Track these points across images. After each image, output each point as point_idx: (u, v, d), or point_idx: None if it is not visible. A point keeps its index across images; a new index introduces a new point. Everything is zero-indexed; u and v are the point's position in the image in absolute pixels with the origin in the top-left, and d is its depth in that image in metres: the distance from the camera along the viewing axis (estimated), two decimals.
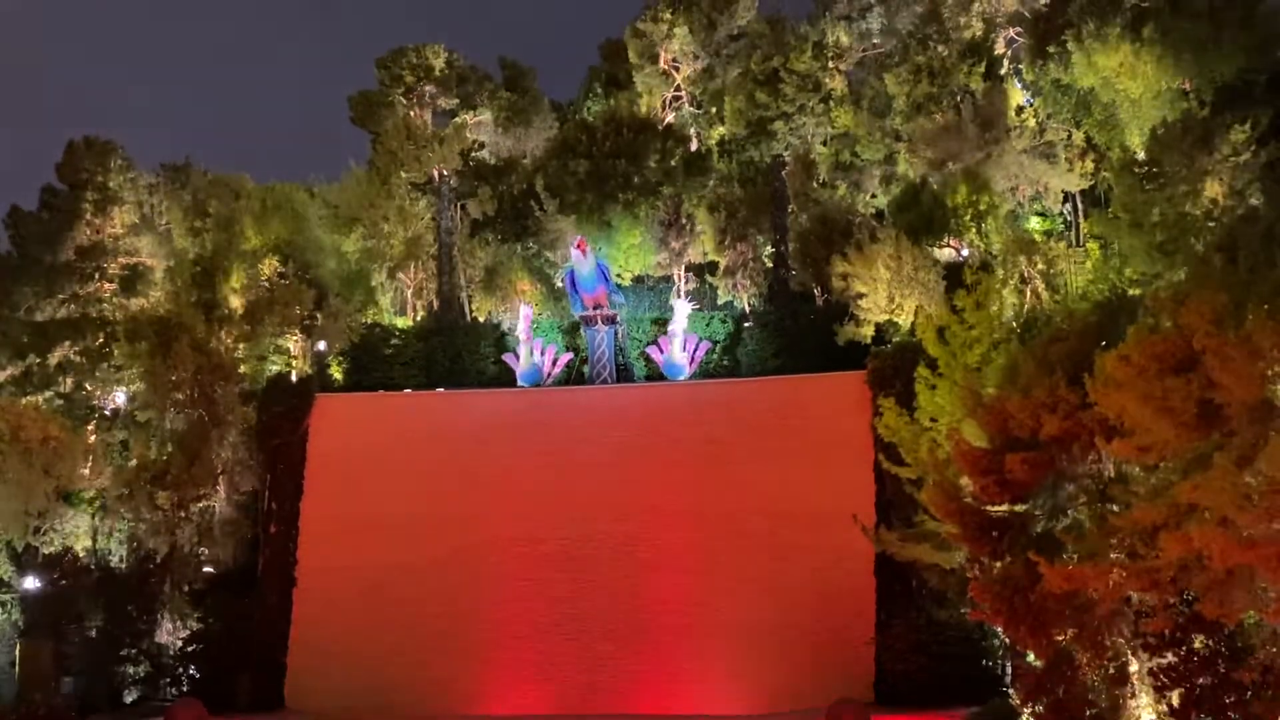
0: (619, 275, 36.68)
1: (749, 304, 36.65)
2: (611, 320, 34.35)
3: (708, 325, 35.89)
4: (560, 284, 36.87)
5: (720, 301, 37.23)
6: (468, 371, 35.98)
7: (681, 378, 33.38)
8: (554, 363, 34.61)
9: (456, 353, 36.32)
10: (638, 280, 38.20)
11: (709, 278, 37.66)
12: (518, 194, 39.74)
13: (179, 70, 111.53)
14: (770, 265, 36.80)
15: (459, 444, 31.97)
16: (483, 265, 38.16)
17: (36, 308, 36.77)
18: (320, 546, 31.59)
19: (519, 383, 34.41)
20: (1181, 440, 15.92)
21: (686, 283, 38.65)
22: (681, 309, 33.77)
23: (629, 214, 37.37)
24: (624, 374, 34.84)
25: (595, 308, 34.23)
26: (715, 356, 34.93)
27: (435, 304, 37.90)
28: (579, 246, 33.08)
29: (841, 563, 27.82)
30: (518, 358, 34.83)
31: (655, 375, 34.76)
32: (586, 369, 34.51)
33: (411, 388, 35.52)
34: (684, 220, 37.63)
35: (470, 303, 39.01)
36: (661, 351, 33.86)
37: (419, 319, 38.70)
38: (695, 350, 34.36)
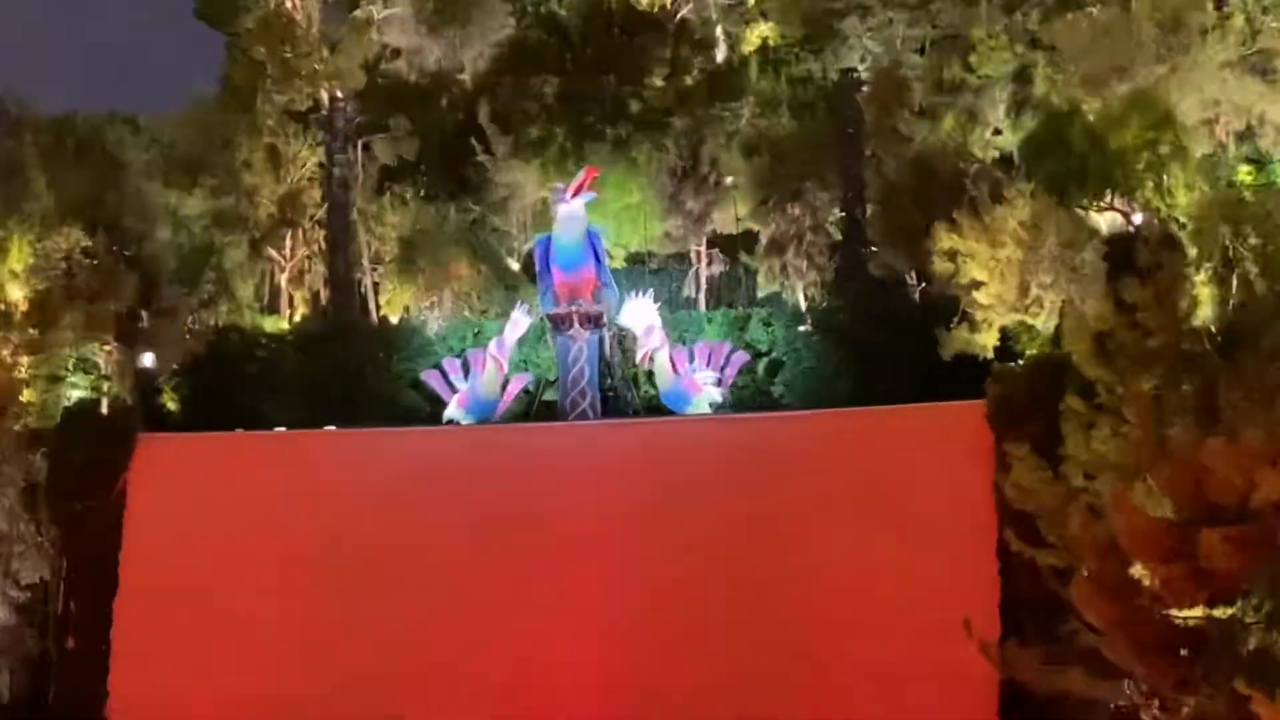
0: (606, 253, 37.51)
1: (806, 297, 37.05)
2: (596, 322, 34.55)
3: (742, 330, 36.37)
4: (515, 265, 37.37)
5: (761, 293, 38.43)
6: (374, 399, 36.14)
7: (691, 410, 33.96)
8: (503, 387, 35.09)
9: (356, 370, 36.59)
10: (633, 260, 39.03)
11: (744, 257, 38.72)
12: (451, 129, 40.47)
13: None
14: (838, 238, 37.47)
15: (360, 513, 31.85)
16: (397, 236, 38.60)
17: None
18: (145, 670, 31.33)
19: (453, 417, 34.69)
20: None
21: (710, 263, 39.29)
22: (638, 312, 34.51)
23: (621, 159, 38.33)
24: (614, 404, 35.35)
25: (571, 302, 34.41)
26: (756, 377, 35.39)
27: (324, 297, 38.64)
28: (585, 180, 33.58)
29: (947, 694, 27.85)
30: (448, 382, 35.24)
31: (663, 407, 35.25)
32: (555, 396, 34.98)
33: (287, 425, 35.77)
34: (706, 169, 38.44)
35: (377, 294, 39.17)
36: (689, 362, 34.80)
37: (298, 320, 39.24)
38: (725, 366, 34.91)
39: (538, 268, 35.02)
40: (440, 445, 33.98)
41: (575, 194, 33.47)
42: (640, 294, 35.01)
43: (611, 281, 35.36)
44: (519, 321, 34.74)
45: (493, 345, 34.78)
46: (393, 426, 35.25)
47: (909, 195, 34.55)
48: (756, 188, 38.26)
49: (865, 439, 31.55)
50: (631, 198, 38.83)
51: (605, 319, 34.99)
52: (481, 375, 34.45)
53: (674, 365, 34.27)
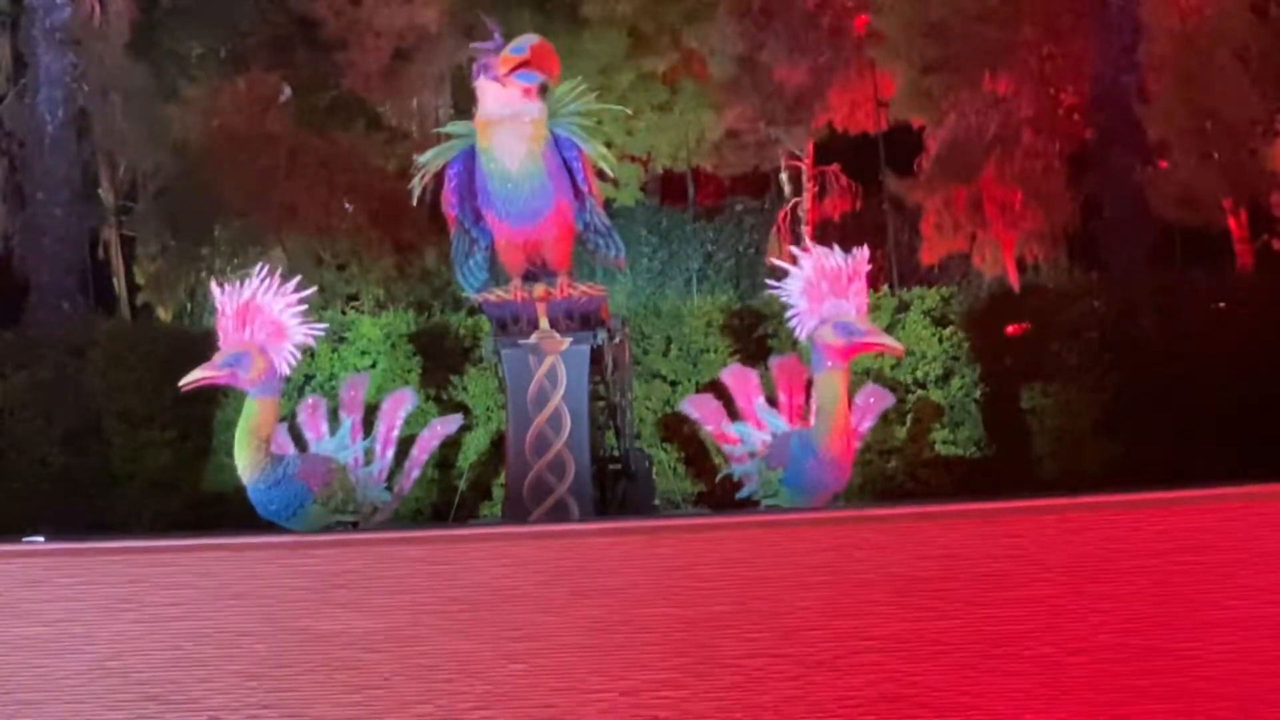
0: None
1: (1022, 264, 38.44)
2: (586, 317, 28.62)
3: (887, 332, 31.06)
4: (414, 190, 31.49)
5: (927, 258, 40.19)
6: (128, 480, 32.44)
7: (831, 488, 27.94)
8: (382, 449, 29.00)
9: (87, 425, 32.85)
10: (665, 189, 42.34)
11: (892, 182, 39.70)
12: None
13: None
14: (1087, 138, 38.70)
15: None
16: (171, 143, 38.06)
17: None
18: None
19: (266, 511, 27.84)
20: None
21: (821, 193, 41.00)
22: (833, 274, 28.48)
23: None
24: (622, 488, 29.97)
25: (530, 276, 28.42)
26: (918, 427, 32.00)
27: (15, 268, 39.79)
28: (528, 59, 27.88)
29: None
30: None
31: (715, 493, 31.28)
32: (502, 480, 29.96)
33: None
34: None
35: (130, 265, 40.24)
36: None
37: None
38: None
39: (450, 209, 28.59)
40: (248, 571, 25.95)
41: (511, 70, 27.29)
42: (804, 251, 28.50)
43: (607, 223, 29.15)
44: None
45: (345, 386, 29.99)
46: (157, 538, 28.62)
47: (1228, 51, 33.47)
48: (919, 39, 36.30)
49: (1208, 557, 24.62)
50: (655, 59, 37.83)
51: (603, 310, 28.63)
52: (316, 433, 28.56)
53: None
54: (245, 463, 27.09)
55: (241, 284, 29.16)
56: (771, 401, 29.07)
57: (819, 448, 27.39)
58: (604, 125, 33.54)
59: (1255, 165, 33.81)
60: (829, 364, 27.35)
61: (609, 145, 32.47)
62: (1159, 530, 21.53)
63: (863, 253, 27.86)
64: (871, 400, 28.87)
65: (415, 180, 30.30)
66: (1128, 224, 37.32)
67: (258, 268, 29.88)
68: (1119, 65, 37.20)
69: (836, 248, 28.09)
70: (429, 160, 28.90)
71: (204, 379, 28.17)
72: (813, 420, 27.79)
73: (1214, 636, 15.55)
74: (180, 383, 28.76)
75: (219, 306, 28.43)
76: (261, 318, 28.06)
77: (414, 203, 31.11)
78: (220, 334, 28.24)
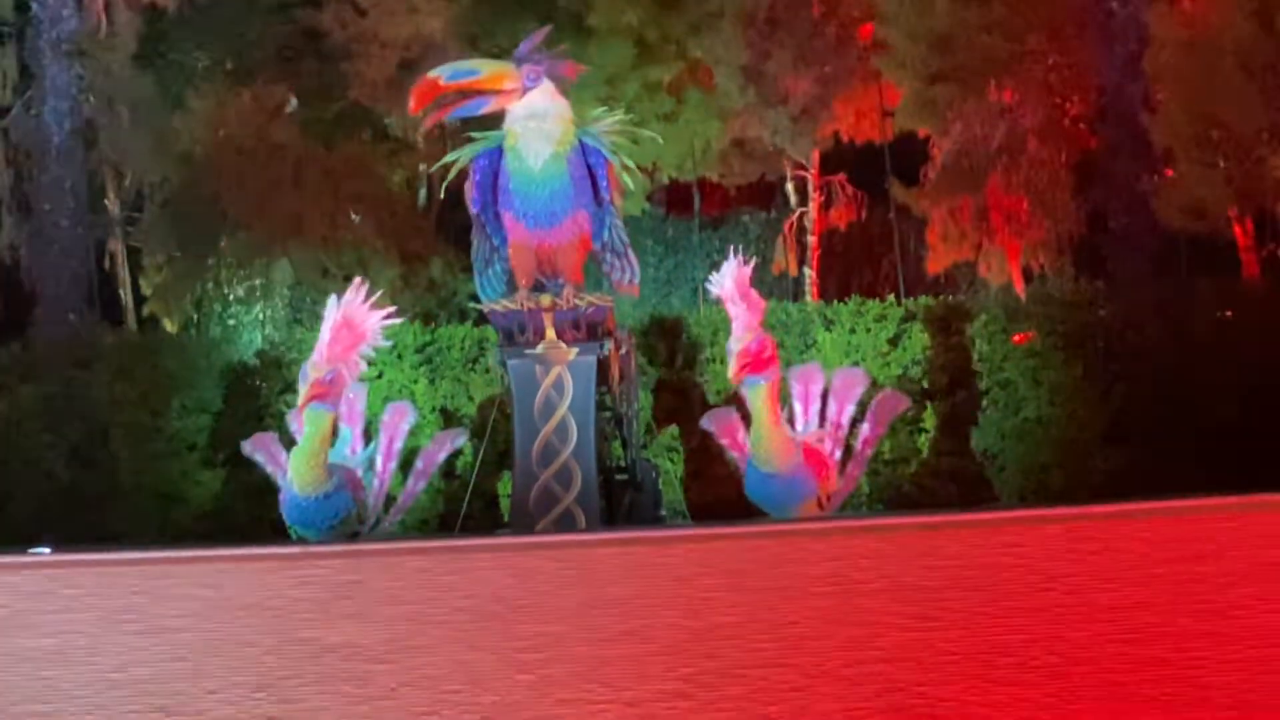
0: None
1: (1027, 274, 37.93)
2: (593, 329, 27.92)
3: (893, 344, 32.59)
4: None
5: (932, 267, 39.76)
6: (134, 492, 31.91)
7: (798, 510, 26.49)
8: (383, 461, 28.34)
9: (93, 436, 32.57)
10: (671, 197, 41.94)
11: (898, 191, 39.32)
12: None
13: None
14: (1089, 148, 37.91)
15: None
16: (175, 154, 37.61)
17: None
18: None
19: (289, 515, 26.58)
20: None
21: (828, 203, 40.82)
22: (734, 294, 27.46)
23: None
24: (627, 500, 29.32)
25: (539, 285, 27.92)
26: (921, 436, 31.65)
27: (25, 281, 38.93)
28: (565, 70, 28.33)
29: None
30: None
31: (726, 500, 29.50)
32: (508, 489, 29.92)
33: None
34: (822, 6, 38.68)
35: (135, 277, 39.71)
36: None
37: None
38: (855, 419, 28.01)
39: (473, 205, 27.60)
40: (249, 586, 25.07)
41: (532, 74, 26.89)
42: (738, 258, 26.96)
43: (626, 243, 28.13)
44: (359, 324, 25.92)
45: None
46: (171, 549, 25.68)
47: (1233, 60, 32.57)
48: (925, 49, 36.00)
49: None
50: (661, 69, 37.29)
51: (611, 322, 27.81)
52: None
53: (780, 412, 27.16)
54: (310, 477, 25.92)
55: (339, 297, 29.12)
56: (790, 413, 29.26)
57: (756, 463, 26.86)
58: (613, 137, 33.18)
59: (1261, 174, 33.08)
60: (745, 379, 26.28)
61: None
62: (1165, 540, 21.63)
63: (741, 259, 26.64)
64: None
65: (443, 167, 29.83)
66: (1133, 233, 36.91)
67: (356, 281, 29.75)
68: (1125, 74, 36.79)
69: (740, 259, 26.92)
70: (456, 154, 28.88)
71: (313, 395, 27.83)
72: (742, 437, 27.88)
73: (1218, 646, 15.51)
74: (299, 406, 28.24)
75: (329, 319, 28.00)
76: (349, 332, 28.13)
77: (440, 195, 31.19)
78: (319, 348, 27.94)
